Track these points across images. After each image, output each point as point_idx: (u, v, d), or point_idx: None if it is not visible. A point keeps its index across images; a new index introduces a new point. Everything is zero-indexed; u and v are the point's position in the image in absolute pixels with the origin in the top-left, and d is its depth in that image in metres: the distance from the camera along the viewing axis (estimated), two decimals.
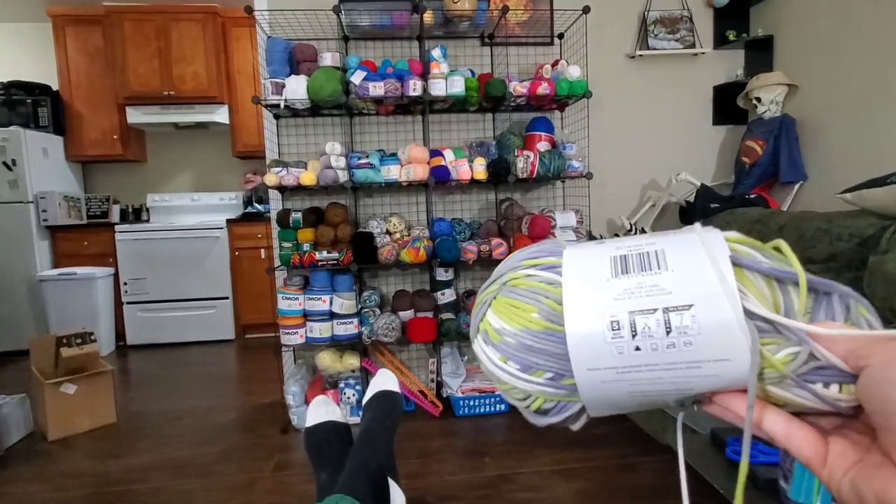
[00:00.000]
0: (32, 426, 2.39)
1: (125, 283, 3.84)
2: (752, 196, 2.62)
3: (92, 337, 2.44)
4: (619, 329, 0.31)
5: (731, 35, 2.88)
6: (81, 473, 2.00)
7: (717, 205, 2.63)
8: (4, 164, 3.61)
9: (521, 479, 1.82)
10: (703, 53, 2.93)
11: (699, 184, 2.73)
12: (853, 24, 2.42)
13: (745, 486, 0.65)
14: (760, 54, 2.92)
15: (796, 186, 2.72)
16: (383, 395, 1.11)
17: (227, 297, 3.96)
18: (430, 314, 2.41)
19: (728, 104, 2.97)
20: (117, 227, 3.83)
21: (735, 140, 3.00)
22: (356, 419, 2.34)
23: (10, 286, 3.70)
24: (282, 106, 2.29)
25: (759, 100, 2.74)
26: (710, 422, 1.44)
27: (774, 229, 2.14)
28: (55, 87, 4.01)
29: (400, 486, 0.99)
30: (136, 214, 4.30)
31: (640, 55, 2.85)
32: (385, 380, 1.14)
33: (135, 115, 3.98)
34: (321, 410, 1.09)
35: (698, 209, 2.67)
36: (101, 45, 3.98)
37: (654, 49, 2.85)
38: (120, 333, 3.89)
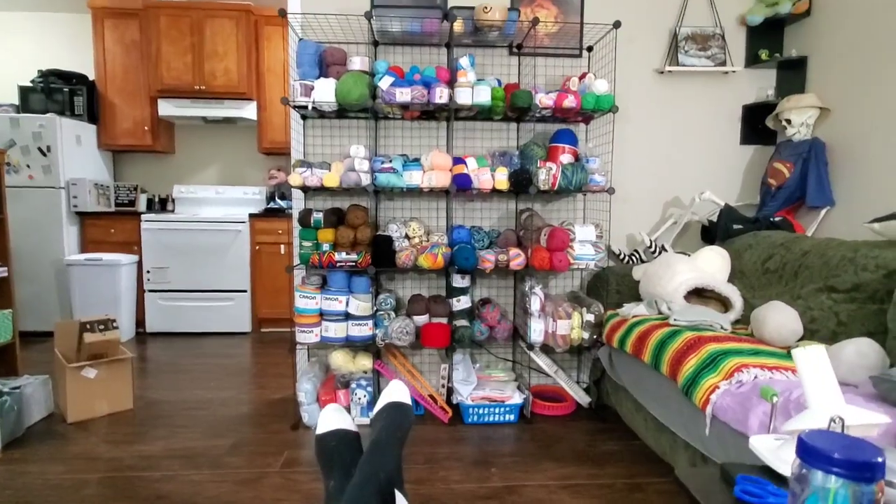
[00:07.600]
0: (53, 407, 2.46)
1: (148, 272, 3.93)
2: (776, 219, 2.57)
3: (114, 324, 2.51)
4: None
5: (764, 54, 2.84)
6: (97, 457, 2.05)
7: (739, 226, 2.59)
8: (39, 150, 3.73)
9: (526, 492, 1.82)
10: (733, 72, 2.90)
11: (723, 203, 2.70)
12: (890, 50, 2.37)
13: None
14: (793, 75, 2.87)
15: (823, 212, 2.67)
16: (395, 407, 1.12)
17: (245, 291, 4.02)
18: (444, 320, 2.42)
19: (757, 124, 2.93)
20: (143, 216, 3.92)
21: (762, 161, 2.96)
22: (366, 420, 2.36)
23: (39, 268, 3.81)
24: (309, 108, 2.32)
25: (789, 121, 2.70)
26: (723, 454, 1.42)
27: (798, 254, 2.11)
28: (91, 77, 4.13)
29: (406, 498, 1.01)
30: (161, 204, 4.40)
31: (669, 71, 2.83)
32: (397, 391, 1.15)
33: (166, 108, 4.08)
34: (333, 418, 1.11)
35: (720, 229, 2.63)
36: (137, 39, 4.08)
37: (684, 65, 2.83)
38: (140, 320, 3.98)
